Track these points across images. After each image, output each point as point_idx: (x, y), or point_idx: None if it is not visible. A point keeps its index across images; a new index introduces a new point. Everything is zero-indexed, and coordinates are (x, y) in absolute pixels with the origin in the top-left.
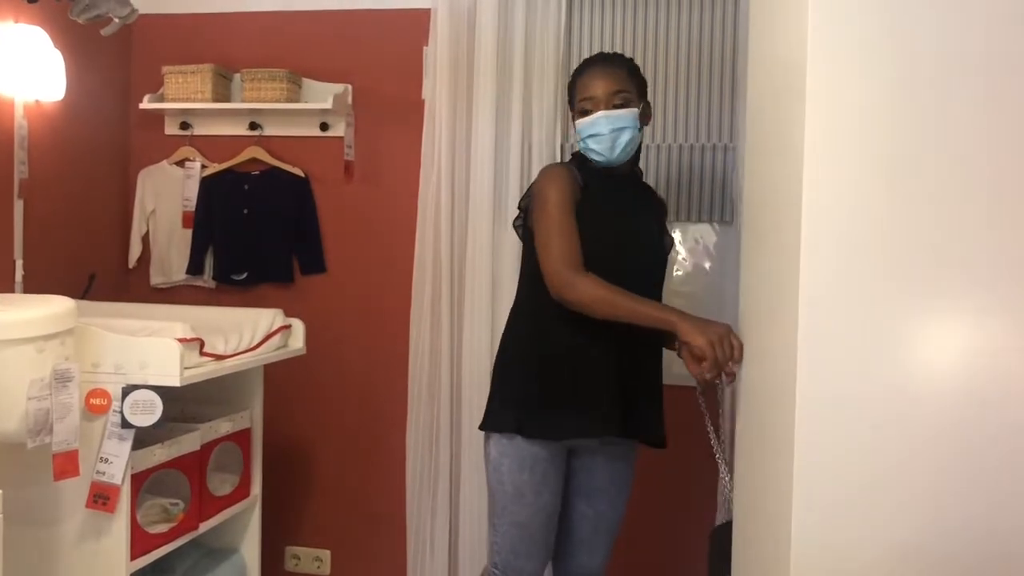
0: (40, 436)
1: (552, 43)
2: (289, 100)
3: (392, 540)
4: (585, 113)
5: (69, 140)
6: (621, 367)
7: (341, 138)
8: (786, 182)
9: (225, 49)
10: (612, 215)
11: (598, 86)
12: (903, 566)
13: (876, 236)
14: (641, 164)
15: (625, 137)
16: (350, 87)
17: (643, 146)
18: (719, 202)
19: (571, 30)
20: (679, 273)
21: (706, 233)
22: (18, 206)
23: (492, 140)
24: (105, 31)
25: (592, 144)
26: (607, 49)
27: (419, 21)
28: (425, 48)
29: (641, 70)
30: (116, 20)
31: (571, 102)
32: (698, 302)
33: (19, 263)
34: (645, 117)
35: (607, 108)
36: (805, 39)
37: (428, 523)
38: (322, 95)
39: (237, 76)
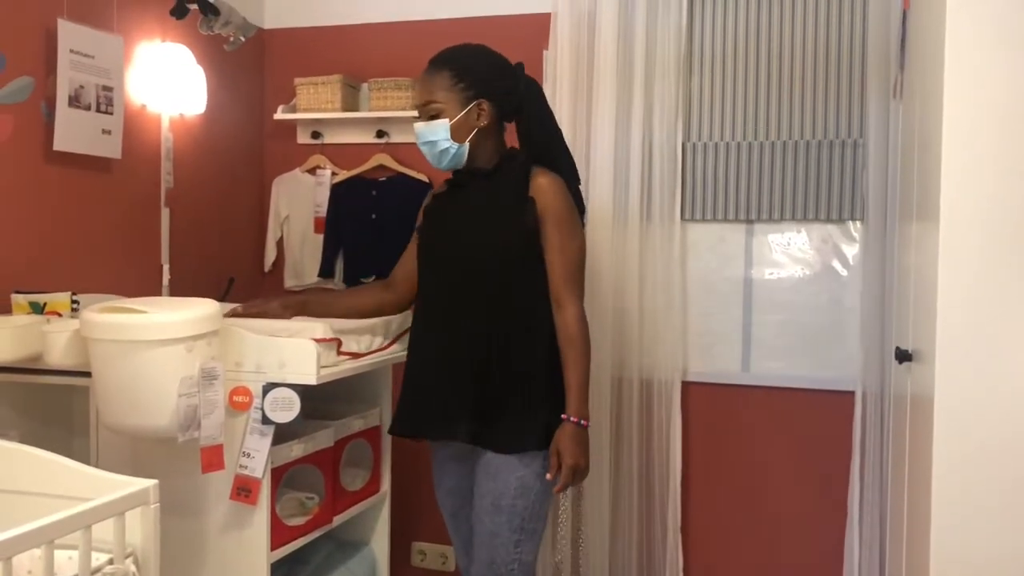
0: (189, 431)
1: (673, 43)
2: (414, 108)
3: None
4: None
5: (209, 151)
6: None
7: None
8: (925, 180)
9: (353, 60)
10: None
11: (416, 95)
12: None
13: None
14: (764, 161)
15: (439, 150)
16: None
17: (762, 144)
18: (848, 200)
19: (692, 29)
20: (806, 273)
21: (834, 233)
22: (164, 214)
23: (612, 142)
24: (228, 46)
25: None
26: (729, 47)
27: (539, 25)
28: (545, 52)
29: (485, 64)
30: (240, 38)
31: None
32: (827, 304)
33: (166, 267)
34: (476, 116)
35: (422, 119)
36: (943, 34)
37: (551, 517)
38: None
39: (364, 86)
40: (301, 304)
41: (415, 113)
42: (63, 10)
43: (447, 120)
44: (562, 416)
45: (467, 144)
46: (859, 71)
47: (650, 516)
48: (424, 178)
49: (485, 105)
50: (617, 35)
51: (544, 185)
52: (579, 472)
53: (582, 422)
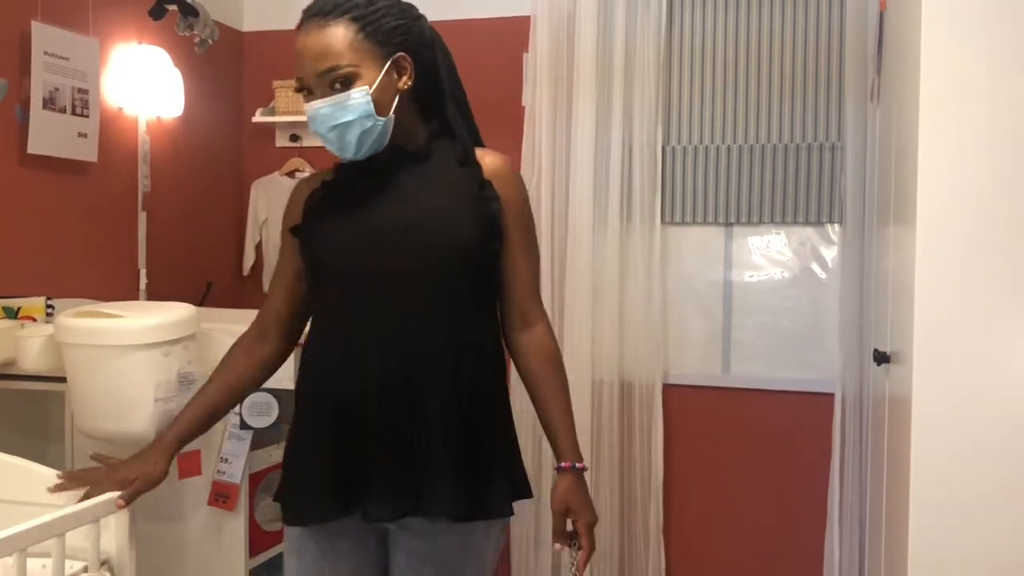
0: None
1: (652, 46)
2: None
3: None
4: (304, 96)
5: (187, 154)
6: None
7: None
8: (903, 182)
9: None
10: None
11: (305, 63)
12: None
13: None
14: (743, 164)
15: (354, 133)
16: None
17: (741, 147)
18: (827, 203)
19: (671, 32)
20: (785, 276)
21: (812, 236)
22: (142, 218)
23: (592, 144)
24: (198, 48)
25: (322, 141)
26: (708, 50)
27: (519, 28)
28: (525, 55)
29: (381, 10)
30: (209, 40)
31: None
32: (806, 307)
33: (143, 272)
34: (397, 75)
35: (320, 95)
36: (919, 36)
37: (531, 522)
38: None
39: None
40: (155, 455)
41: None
42: (37, 12)
43: (366, 87)
44: (561, 465)
45: (392, 116)
46: (837, 74)
47: (631, 518)
48: None
49: (407, 58)
50: (596, 38)
51: (502, 170)
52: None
53: (584, 467)
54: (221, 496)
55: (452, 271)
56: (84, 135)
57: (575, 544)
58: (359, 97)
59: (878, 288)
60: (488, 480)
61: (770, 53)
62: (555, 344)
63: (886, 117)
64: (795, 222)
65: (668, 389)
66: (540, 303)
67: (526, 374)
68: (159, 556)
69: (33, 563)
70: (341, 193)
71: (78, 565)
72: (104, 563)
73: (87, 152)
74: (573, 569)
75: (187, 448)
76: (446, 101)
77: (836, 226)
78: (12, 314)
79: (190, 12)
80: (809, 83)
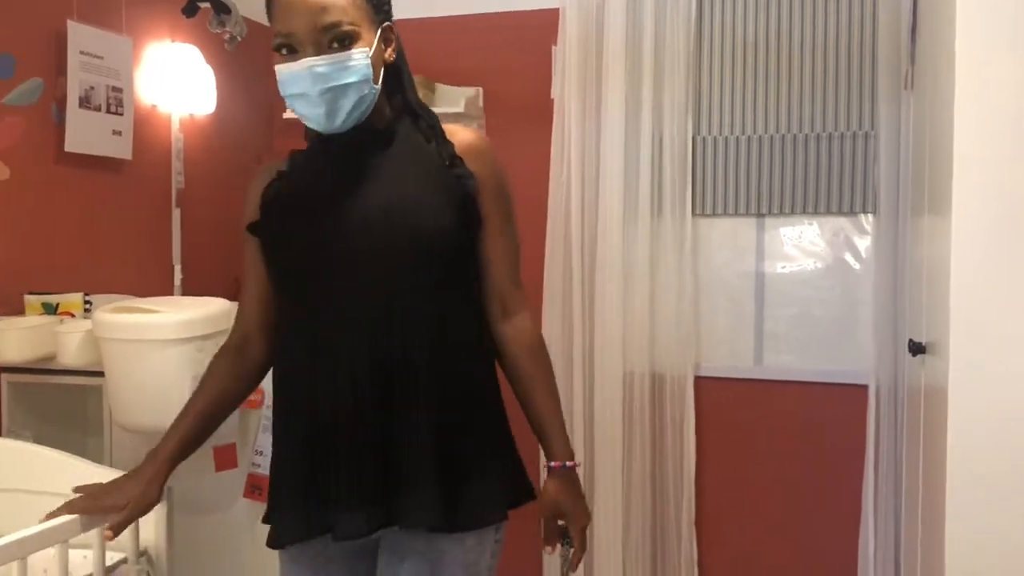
0: None
1: (682, 36)
2: None
3: None
4: (283, 55)
5: (219, 151)
6: None
7: None
8: (937, 171)
9: None
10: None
11: (300, 16)
12: None
13: None
14: (775, 154)
15: (350, 99)
16: (481, 90)
17: (772, 137)
18: (860, 193)
19: (701, 21)
20: (818, 266)
21: (845, 226)
22: (176, 214)
23: (622, 135)
24: (227, 45)
25: (299, 107)
26: (739, 39)
27: (548, 21)
28: (554, 47)
29: None
30: (238, 37)
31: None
32: (839, 297)
33: (177, 267)
34: (384, 45)
35: (315, 52)
36: (954, 23)
37: None
38: (454, 99)
39: None
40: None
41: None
42: (72, 12)
43: (366, 48)
44: (551, 464)
45: (379, 87)
46: (870, 62)
47: (663, 511)
48: None
49: (393, 29)
50: (626, 29)
51: (475, 144)
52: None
53: (576, 464)
54: (256, 488)
55: (427, 258)
56: (119, 133)
57: (567, 543)
58: (360, 58)
59: (913, 278)
60: (476, 484)
61: (801, 41)
62: (539, 334)
63: (920, 105)
64: (828, 212)
65: (700, 381)
66: (521, 290)
67: (508, 368)
68: (196, 547)
69: (75, 554)
70: (298, 182)
71: (118, 556)
72: (143, 554)
73: (122, 150)
74: (566, 568)
75: (222, 441)
76: (408, 79)
77: (870, 216)
78: (51, 310)
79: (222, 9)
80: (842, 71)
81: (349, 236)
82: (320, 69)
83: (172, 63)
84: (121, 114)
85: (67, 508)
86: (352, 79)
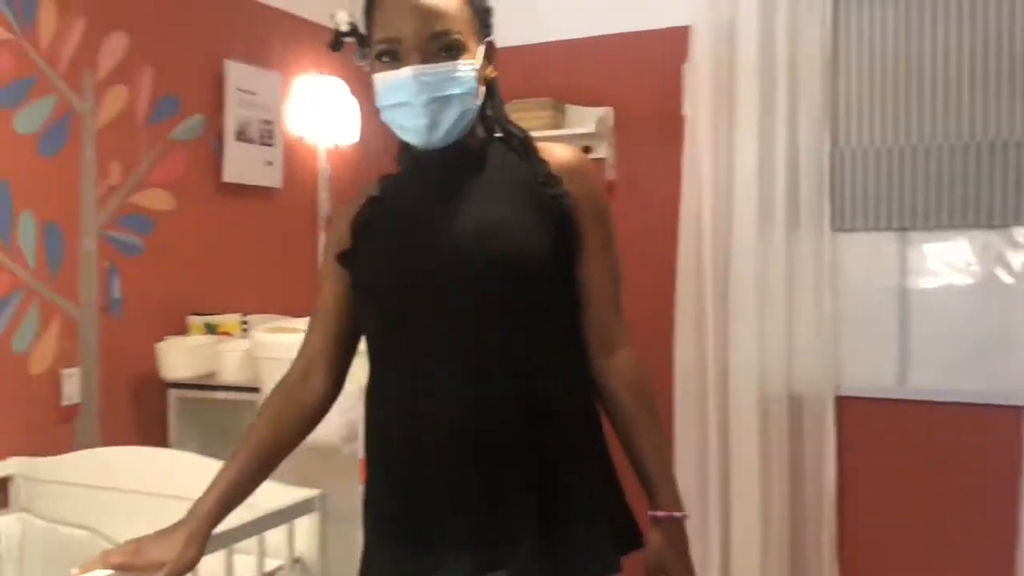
0: (351, 443)
1: (818, 46)
2: (553, 127)
3: None
4: (384, 62)
5: (363, 178)
6: None
7: (603, 159)
8: None
9: None
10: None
11: (409, 20)
12: None
13: None
14: (919, 166)
15: (454, 111)
16: (611, 109)
17: (916, 148)
18: (1012, 205)
19: (837, 30)
20: (967, 282)
21: (996, 240)
22: (322, 238)
23: (756, 150)
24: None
25: (399, 118)
26: (878, 48)
27: (677, 38)
28: (684, 64)
29: None
30: None
31: (368, 41)
32: (991, 315)
33: None
34: (488, 59)
35: (421, 59)
36: None
37: (697, 546)
38: (584, 119)
39: (505, 107)
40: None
41: (555, 132)
42: (230, 51)
43: (473, 60)
44: (657, 514)
45: (479, 104)
46: (1020, 66)
47: (803, 537)
48: None
49: (494, 46)
50: (758, 42)
51: (573, 163)
52: None
53: (685, 516)
54: None
55: (521, 284)
56: (270, 163)
57: None
58: (467, 70)
59: None
60: (585, 530)
61: (946, 47)
62: (643, 371)
63: None
64: (977, 225)
65: (841, 401)
66: (623, 322)
67: (609, 407)
68: (345, 557)
69: (237, 559)
70: (390, 206)
71: (275, 563)
72: (297, 561)
73: (273, 179)
74: None
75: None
76: (499, 97)
77: (1022, 229)
78: (211, 330)
79: (366, 43)
80: (991, 77)
81: (442, 262)
82: (427, 78)
83: (319, 95)
84: (272, 145)
85: (102, 561)
86: (458, 90)
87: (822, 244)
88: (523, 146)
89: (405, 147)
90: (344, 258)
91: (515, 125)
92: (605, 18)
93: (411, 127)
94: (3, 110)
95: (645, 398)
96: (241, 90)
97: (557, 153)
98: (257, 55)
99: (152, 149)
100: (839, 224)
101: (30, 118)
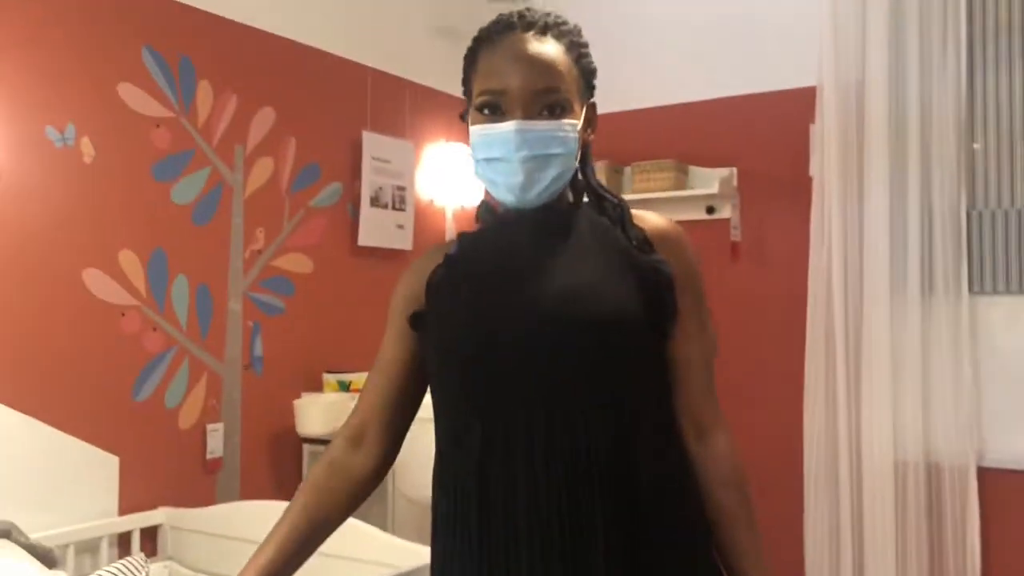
0: None
1: (952, 106)
2: (676, 188)
3: None
4: (484, 115)
5: None
6: None
7: (727, 220)
8: None
9: (617, 145)
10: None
11: (518, 74)
12: None
13: None
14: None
15: (551, 171)
16: (735, 170)
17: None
18: None
19: (973, 89)
20: None
21: None
22: None
23: (887, 211)
24: None
25: (493, 173)
26: (1017, 105)
27: (804, 99)
28: (812, 125)
29: (589, 45)
30: None
31: (466, 92)
32: None
33: None
34: (590, 123)
35: (524, 115)
36: None
37: None
38: (708, 181)
39: (627, 169)
40: None
41: (678, 193)
42: (367, 123)
43: (576, 121)
44: None
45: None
46: None
47: None
48: None
49: (595, 110)
50: (888, 102)
51: (669, 232)
52: None
53: None
54: None
55: (608, 353)
56: (401, 227)
57: None
58: (570, 130)
59: None
60: None
61: None
62: (739, 460)
63: None
64: None
65: (984, 473)
66: (717, 404)
67: (706, 506)
68: None
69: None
70: (468, 267)
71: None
72: None
73: (403, 241)
74: None
75: None
76: (592, 163)
77: None
78: (345, 387)
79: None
80: None
81: (522, 329)
82: (530, 134)
83: (447, 161)
84: (403, 210)
85: None
86: (559, 151)
87: (960, 307)
88: (617, 211)
89: (487, 205)
90: (417, 320)
91: (608, 189)
92: (729, 79)
93: (504, 184)
94: (163, 183)
95: (742, 491)
96: (376, 159)
97: (650, 220)
98: (392, 126)
99: (294, 215)
100: (978, 288)
101: (186, 190)
